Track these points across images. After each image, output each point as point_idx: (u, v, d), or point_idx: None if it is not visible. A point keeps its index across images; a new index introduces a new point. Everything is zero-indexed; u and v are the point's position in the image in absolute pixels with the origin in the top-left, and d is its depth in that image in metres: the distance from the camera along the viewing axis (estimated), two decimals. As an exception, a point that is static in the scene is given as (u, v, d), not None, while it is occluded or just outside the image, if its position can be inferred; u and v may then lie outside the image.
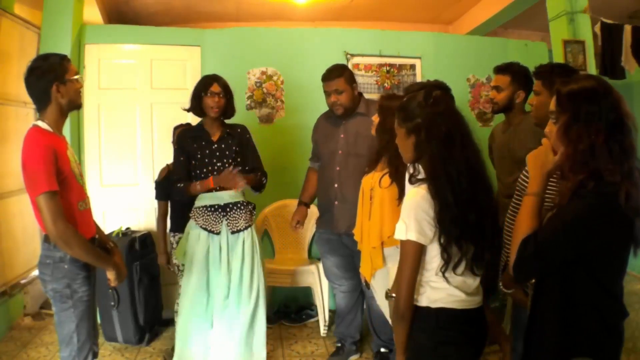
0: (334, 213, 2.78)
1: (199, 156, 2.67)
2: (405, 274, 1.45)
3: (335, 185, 2.77)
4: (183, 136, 2.77)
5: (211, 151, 2.67)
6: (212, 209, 2.67)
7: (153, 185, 3.22)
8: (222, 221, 2.66)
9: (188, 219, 2.78)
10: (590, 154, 1.24)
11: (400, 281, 1.47)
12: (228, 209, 2.67)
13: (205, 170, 2.66)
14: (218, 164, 2.66)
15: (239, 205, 2.70)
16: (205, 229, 2.65)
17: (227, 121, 2.78)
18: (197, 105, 2.68)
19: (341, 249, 2.83)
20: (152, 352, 3.15)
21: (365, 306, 2.98)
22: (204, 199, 2.67)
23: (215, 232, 2.65)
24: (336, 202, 2.77)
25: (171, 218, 3.15)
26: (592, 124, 1.24)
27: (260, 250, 2.75)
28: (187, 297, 2.64)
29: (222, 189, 2.63)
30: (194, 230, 2.68)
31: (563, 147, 1.30)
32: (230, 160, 2.67)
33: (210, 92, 2.63)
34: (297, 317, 3.57)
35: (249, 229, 2.71)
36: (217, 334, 2.64)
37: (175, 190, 2.71)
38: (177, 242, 3.00)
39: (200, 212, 2.68)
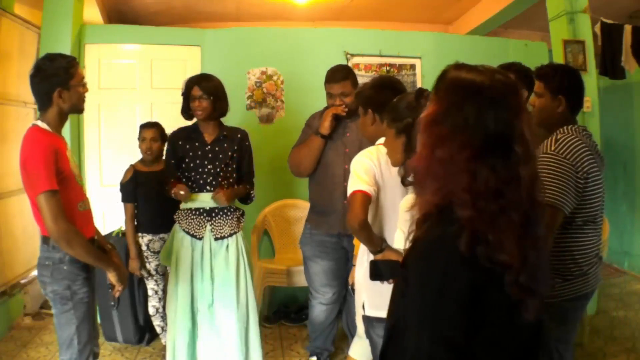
0: (342, 213, 2.61)
1: (190, 157, 2.55)
2: None
3: (345, 184, 2.60)
4: (175, 138, 2.62)
5: (204, 152, 2.55)
6: (197, 213, 2.54)
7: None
8: (205, 226, 2.54)
9: (159, 220, 2.72)
10: (444, 167, 0.93)
11: None
12: (213, 214, 2.55)
13: (195, 172, 2.54)
14: (209, 167, 2.54)
15: (225, 210, 2.57)
16: (188, 233, 2.54)
17: (228, 124, 2.68)
18: (185, 108, 2.59)
19: (336, 252, 2.73)
20: (152, 352, 3.15)
21: (343, 312, 2.91)
22: (190, 202, 2.56)
23: (197, 237, 2.53)
24: (345, 202, 2.59)
25: (139, 218, 3.03)
26: (463, 129, 0.93)
27: (248, 256, 2.62)
28: (173, 305, 2.54)
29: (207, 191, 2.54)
30: (178, 233, 2.58)
31: (420, 143, 1.00)
32: (222, 166, 2.55)
33: (191, 96, 2.53)
34: (297, 317, 3.57)
35: (235, 235, 2.58)
36: (204, 343, 2.54)
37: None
38: (147, 245, 2.98)
39: (184, 215, 2.56)
